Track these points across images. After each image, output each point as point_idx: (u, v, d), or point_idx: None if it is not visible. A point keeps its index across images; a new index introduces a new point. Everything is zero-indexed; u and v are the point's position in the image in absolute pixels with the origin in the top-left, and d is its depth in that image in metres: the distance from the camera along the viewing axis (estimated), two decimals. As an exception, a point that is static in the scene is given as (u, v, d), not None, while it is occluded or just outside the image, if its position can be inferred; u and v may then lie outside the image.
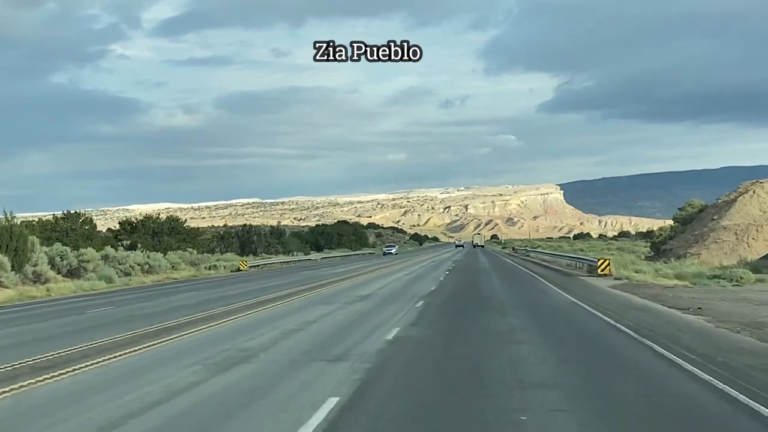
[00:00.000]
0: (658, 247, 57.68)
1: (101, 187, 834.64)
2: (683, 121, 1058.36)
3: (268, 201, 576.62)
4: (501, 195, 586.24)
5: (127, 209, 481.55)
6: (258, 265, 66.04)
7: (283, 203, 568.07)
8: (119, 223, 65.37)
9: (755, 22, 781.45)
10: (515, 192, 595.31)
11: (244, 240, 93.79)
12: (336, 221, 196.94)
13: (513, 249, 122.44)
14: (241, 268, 60.02)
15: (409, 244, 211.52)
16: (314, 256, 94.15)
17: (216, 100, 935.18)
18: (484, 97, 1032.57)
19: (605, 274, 36.99)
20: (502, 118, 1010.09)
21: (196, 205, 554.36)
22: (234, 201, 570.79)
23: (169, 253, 59.23)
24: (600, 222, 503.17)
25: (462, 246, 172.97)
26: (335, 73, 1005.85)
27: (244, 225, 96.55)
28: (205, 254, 63.90)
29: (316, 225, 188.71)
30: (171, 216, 66.92)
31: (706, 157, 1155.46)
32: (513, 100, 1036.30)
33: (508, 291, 29.79)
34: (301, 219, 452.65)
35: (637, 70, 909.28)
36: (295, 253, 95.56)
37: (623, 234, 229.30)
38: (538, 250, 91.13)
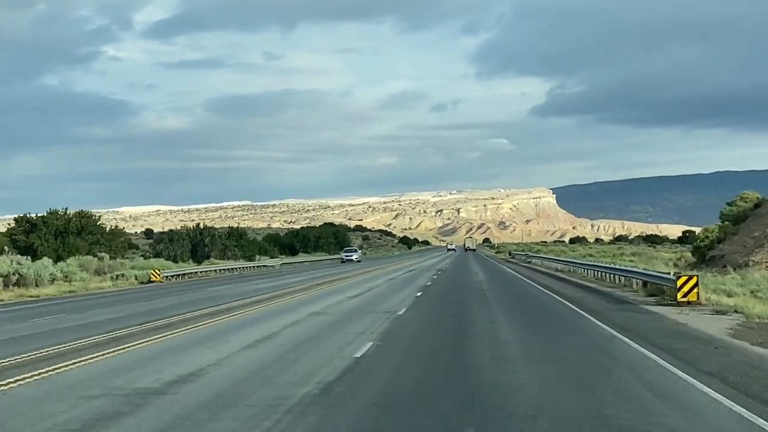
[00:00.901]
0: (704, 252, 44.44)
1: (92, 189, 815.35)
2: (675, 125, 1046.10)
3: (259, 204, 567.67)
4: (493, 199, 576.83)
5: (117, 211, 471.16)
6: (185, 274, 52.12)
7: (274, 206, 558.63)
8: (15, 219, 51.68)
9: (747, 27, 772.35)
10: (507, 196, 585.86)
11: (197, 242, 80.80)
12: (324, 224, 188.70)
13: (509, 254, 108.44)
14: (153, 278, 46.10)
15: (397, 247, 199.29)
16: (273, 262, 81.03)
17: (208, 102, 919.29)
18: (476, 101, 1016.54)
19: (689, 301, 21.35)
20: (494, 122, 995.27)
21: (186, 208, 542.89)
22: (225, 203, 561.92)
23: (70, 258, 46.18)
24: (593, 226, 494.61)
25: (454, 250, 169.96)
26: (328, 76, 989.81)
27: (197, 225, 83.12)
28: (119, 260, 50.33)
29: (301, 228, 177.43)
30: (81, 212, 53.07)
31: (698, 161, 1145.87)
32: (505, 104, 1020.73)
33: (540, 365, 12.84)
34: (291, 222, 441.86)
35: (630, 74, 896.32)
36: (259, 258, 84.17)
37: (620, 238, 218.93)
38: (541, 255, 77.68)
